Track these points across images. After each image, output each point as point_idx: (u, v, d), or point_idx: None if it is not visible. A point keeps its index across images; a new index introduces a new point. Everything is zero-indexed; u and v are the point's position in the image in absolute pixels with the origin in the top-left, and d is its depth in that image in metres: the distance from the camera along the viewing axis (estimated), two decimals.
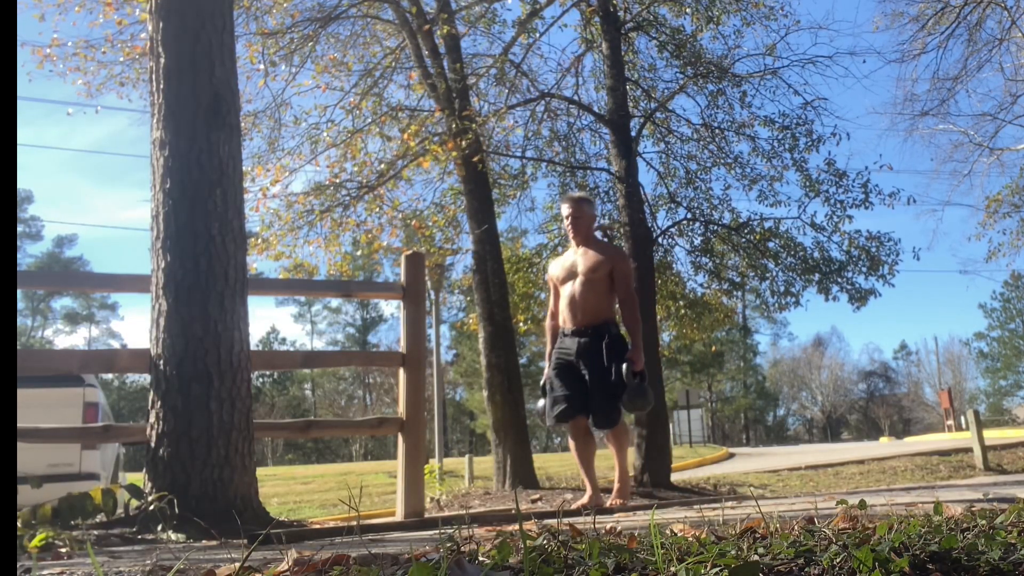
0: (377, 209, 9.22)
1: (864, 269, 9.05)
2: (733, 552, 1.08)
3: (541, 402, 4.54)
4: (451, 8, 8.77)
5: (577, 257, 4.54)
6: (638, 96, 9.59)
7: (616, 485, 4.46)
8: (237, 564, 1.15)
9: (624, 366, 4.24)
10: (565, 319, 4.51)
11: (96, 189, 71.58)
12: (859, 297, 9.05)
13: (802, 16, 21.36)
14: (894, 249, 9.08)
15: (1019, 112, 13.28)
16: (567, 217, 4.58)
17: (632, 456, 8.14)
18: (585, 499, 4.45)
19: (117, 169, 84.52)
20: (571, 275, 4.54)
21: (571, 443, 4.56)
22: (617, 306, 4.56)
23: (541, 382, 4.62)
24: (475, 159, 7.65)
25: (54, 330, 48.23)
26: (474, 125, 7.54)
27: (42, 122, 56.76)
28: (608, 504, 4.30)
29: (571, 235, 4.62)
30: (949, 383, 45.90)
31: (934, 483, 7.13)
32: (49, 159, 69.45)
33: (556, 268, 4.68)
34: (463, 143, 7.50)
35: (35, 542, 2.29)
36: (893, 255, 9.05)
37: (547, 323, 4.76)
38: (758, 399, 53.74)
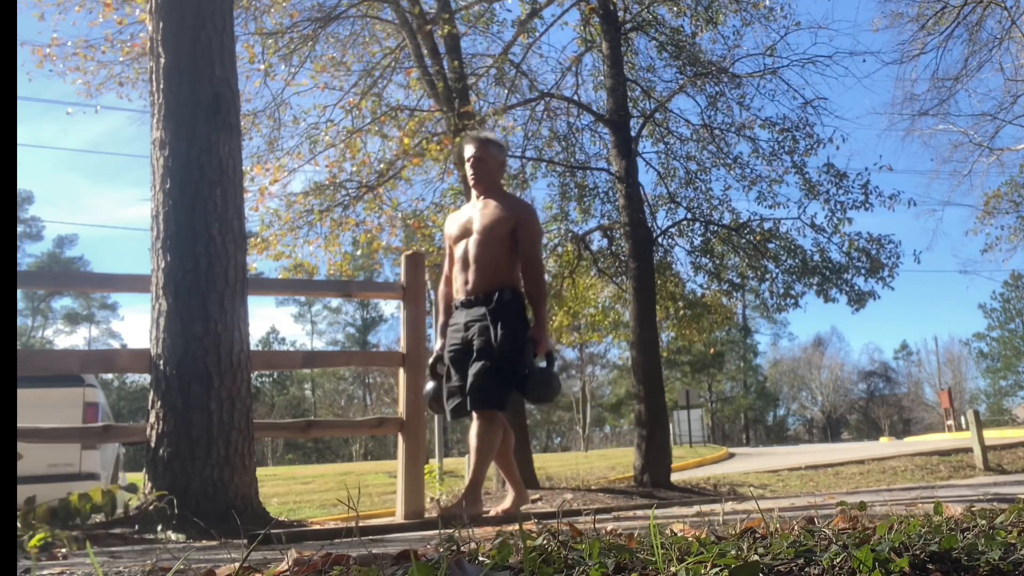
0: (377, 209, 9.22)
1: (864, 271, 9.06)
2: (733, 552, 1.08)
3: (430, 384, 3.78)
4: (451, 8, 8.77)
5: (475, 211, 3.76)
6: (637, 96, 9.59)
7: (465, 491, 3.70)
8: (237, 564, 1.15)
9: (520, 345, 3.51)
10: (457, 286, 3.74)
11: (94, 188, 71.57)
12: (858, 300, 9.07)
13: (802, 16, 21.40)
14: (894, 251, 9.09)
15: (1019, 112, 13.29)
16: (469, 160, 3.79)
17: (632, 456, 8.14)
18: (508, 503, 3.79)
19: (115, 167, 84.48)
20: (466, 232, 3.74)
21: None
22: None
23: (429, 360, 3.85)
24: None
25: (54, 330, 48.24)
26: (472, 123, 7.53)
27: (38, 120, 56.79)
28: (505, 508, 3.71)
29: (472, 182, 3.83)
30: (949, 383, 45.88)
31: (934, 483, 7.13)
32: (46, 157, 69.45)
33: (451, 224, 3.88)
34: (458, 140, 7.50)
35: (34, 542, 2.29)
36: (893, 257, 9.06)
37: (440, 290, 3.97)
38: (758, 399, 53.72)
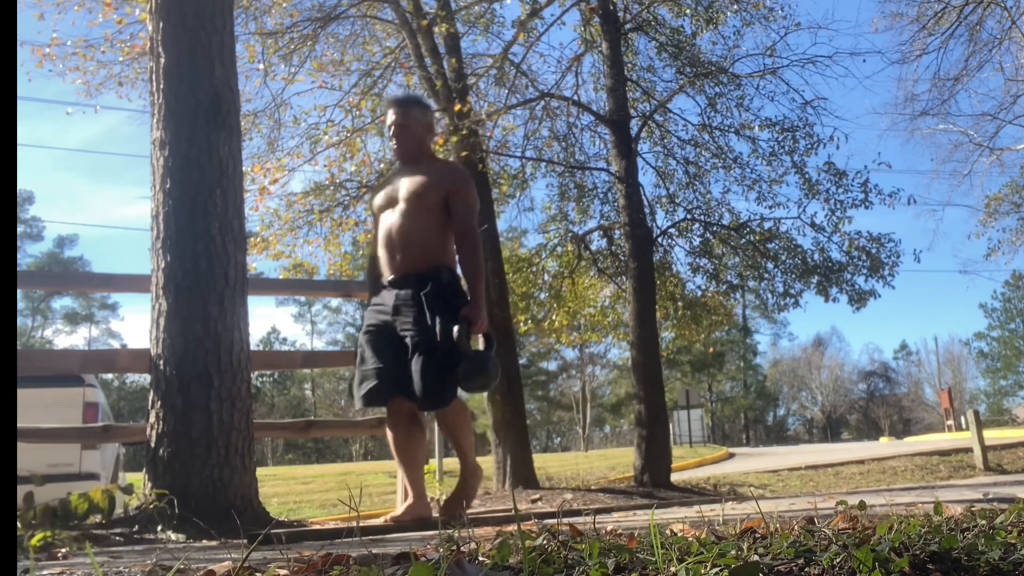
0: None
1: (864, 271, 9.07)
2: (733, 552, 1.08)
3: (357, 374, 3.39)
4: (451, 8, 8.77)
5: (402, 179, 3.35)
6: (637, 97, 9.59)
7: (459, 481, 3.40)
8: (237, 564, 1.15)
9: (457, 327, 3.07)
10: (384, 264, 3.32)
11: (93, 187, 71.55)
12: (858, 299, 9.07)
13: (802, 16, 21.41)
14: (895, 251, 9.10)
15: (1019, 112, 13.29)
16: (389, 128, 3.40)
17: (632, 456, 8.15)
18: (402, 510, 3.27)
19: (113, 166, 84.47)
20: (392, 203, 3.33)
21: (388, 433, 3.33)
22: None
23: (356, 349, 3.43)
24: (463, 155, 7.64)
25: (54, 330, 48.24)
26: (467, 122, 7.53)
27: (36, 119, 56.74)
28: (396, 516, 3.24)
29: (395, 152, 3.45)
30: (949, 383, 45.89)
31: (934, 483, 7.13)
32: (44, 157, 69.44)
33: (377, 196, 3.48)
34: (453, 140, 7.51)
35: (34, 541, 2.29)
36: (894, 256, 9.07)
37: (367, 269, 3.58)
38: (758, 399, 53.73)
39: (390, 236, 3.27)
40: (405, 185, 3.29)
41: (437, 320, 3.10)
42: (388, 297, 3.26)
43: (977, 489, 3.68)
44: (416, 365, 3.11)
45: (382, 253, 3.31)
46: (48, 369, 4.32)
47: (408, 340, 3.15)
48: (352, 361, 3.56)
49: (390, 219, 3.29)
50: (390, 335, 3.23)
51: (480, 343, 3.31)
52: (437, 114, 8.31)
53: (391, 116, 3.40)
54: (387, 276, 3.29)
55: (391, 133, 3.40)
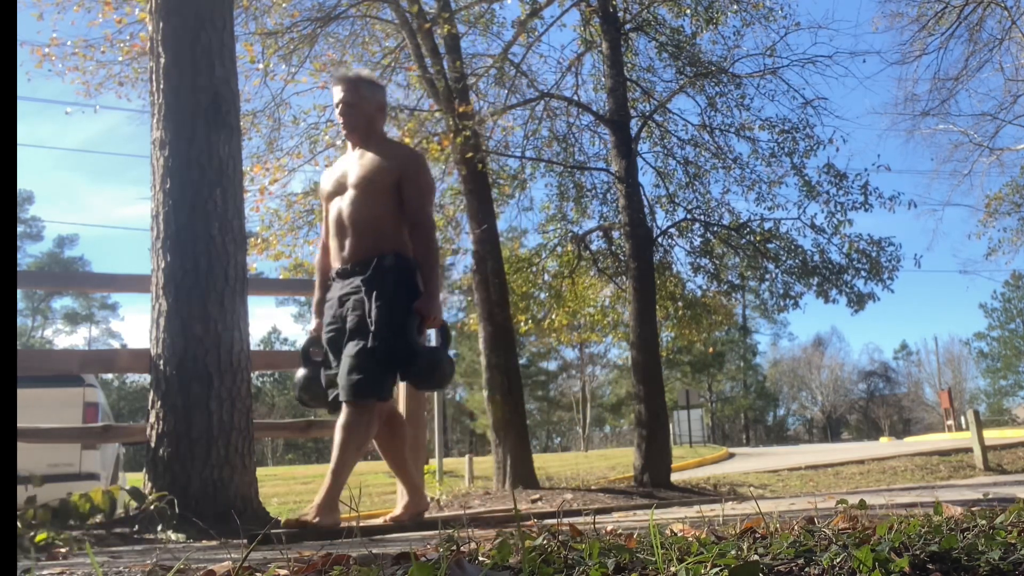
0: None
1: (864, 273, 9.08)
2: (733, 552, 1.08)
3: (300, 372, 3.17)
4: (451, 8, 8.78)
5: (351, 163, 3.14)
6: (637, 97, 9.60)
7: (407, 496, 3.19)
8: (237, 564, 1.15)
9: (402, 321, 2.87)
10: (333, 254, 3.11)
11: (92, 186, 71.55)
12: (858, 301, 9.09)
13: (802, 16, 21.40)
14: (895, 254, 9.11)
15: (1019, 112, 13.29)
16: (338, 106, 3.17)
17: (632, 456, 8.15)
18: (400, 510, 3.21)
19: (113, 166, 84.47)
20: (341, 189, 3.12)
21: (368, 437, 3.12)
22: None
23: (302, 345, 3.24)
24: (468, 156, 7.65)
25: (54, 330, 48.24)
26: (470, 124, 7.54)
27: (35, 119, 56.74)
28: (396, 516, 3.17)
29: (344, 132, 3.22)
30: (949, 383, 45.89)
31: (934, 483, 7.14)
32: (44, 156, 69.44)
33: (325, 181, 3.25)
34: (459, 140, 7.51)
35: (37, 540, 2.29)
36: (894, 260, 9.08)
37: (316, 260, 3.36)
38: (758, 399, 53.72)
39: (340, 223, 3.06)
40: (354, 170, 3.09)
41: (373, 301, 2.87)
42: (336, 289, 3.07)
43: (977, 489, 3.68)
44: (346, 349, 2.90)
45: (332, 243, 3.11)
46: (48, 369, 4.32)
47: (358, 335, 2.90)
48: None
49: (339, 206, 3.08)
50: (341, 328, 3.00)
51: (434, 339, 3.10)
52: (437, 114, 8.32)
53: (339, 94, 3.17)
54: (336, 265, 3.08)
55: (338, 111, 3.17)
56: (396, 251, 3.00)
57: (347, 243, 3.02)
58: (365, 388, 2.86)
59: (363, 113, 3.14)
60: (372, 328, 2.86)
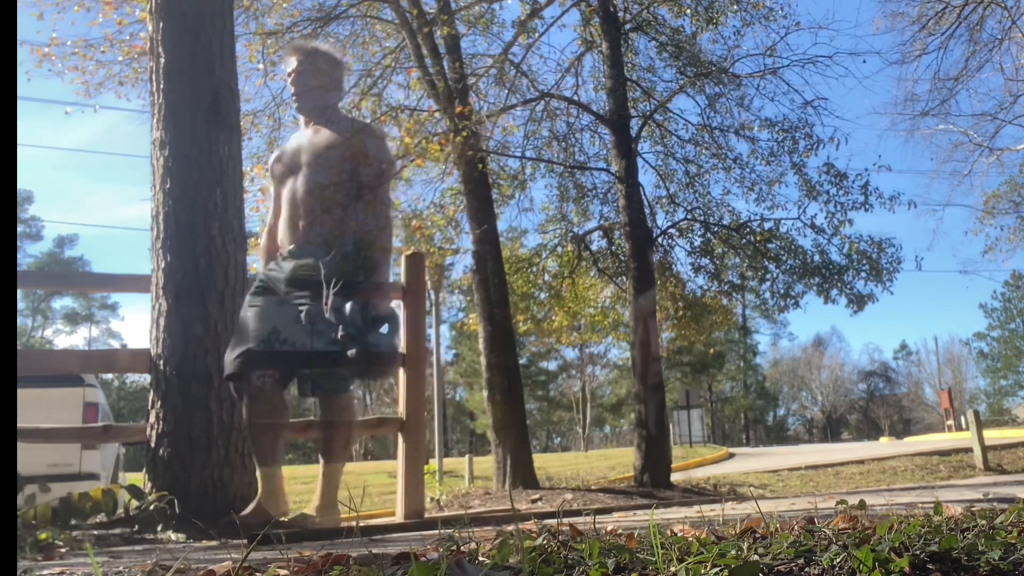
0: None
1: (864, 274, 9.09)
2: (733, 552, 1.08)
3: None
4: (451, 8, 8.78)
5: (304, 140, 2.98)
6: (637, 97, 9.60)
7: (317, 498, 2.92)
8: (237, 564, 1.15)
9: (349, 304, 2.69)
10: (282, 237, 2.95)
11: (92, 186, 71.50)
12: (857, 302, 9.09)
13: (802, 16, 21.39)
14: (895, 256, 9.12)
15: (1019, 112, 13.29)
16: (290, 75, 3.01)
17: (632, 456, 8.15)
18: (252, 507, 2.86)
19: (113, 166, 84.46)
20: (293, 168, 2.95)
21: (243, 409, 2.94)
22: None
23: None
24: (469, 153, 7.65)
25: (54, 330, 48.23)
26: (468, 123, 7.54)
27: (35, 119, 56.70)
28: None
29: (295, 105, 3.06)
30: (949, 383, 45.88)
31: (934, 483, 7.13)
32: (43, 156, 69.38)
33: (276, 159, 3.09)
34: (458, 140, 7.51)
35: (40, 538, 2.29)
36: (894, 262, 9.09)
37: (262, 245, 3.16)
38: (758, 399, 53.71)
39: (294, 203, 2.89)
40: (307, 148, 2.93)
41: (331, 295, 2.70)
42: (287, 266, 2.86)
43: (977, 489, 3.68)
44: (310, 343, 2.73)
45: (283, 224, 2.95)
46: (48, 369, 4.31)
47: (302, 316, 2.74)
48: None
49: (292, 187, 2.92)
50: (279, 304, 2.82)
51: (382, 326, 2.87)
52: (437, 114, 8.32)
53: (291, 63, 3.02)
54: (286, 246, 2.92)
55: (290, 82, 3.02)
56: (352, 234, 2.84)
57: (300, 223, 2.87)
58: (342, 381, 2.91)
59: (317, 83, 2.99)
60: (338, 315, 2.70)
